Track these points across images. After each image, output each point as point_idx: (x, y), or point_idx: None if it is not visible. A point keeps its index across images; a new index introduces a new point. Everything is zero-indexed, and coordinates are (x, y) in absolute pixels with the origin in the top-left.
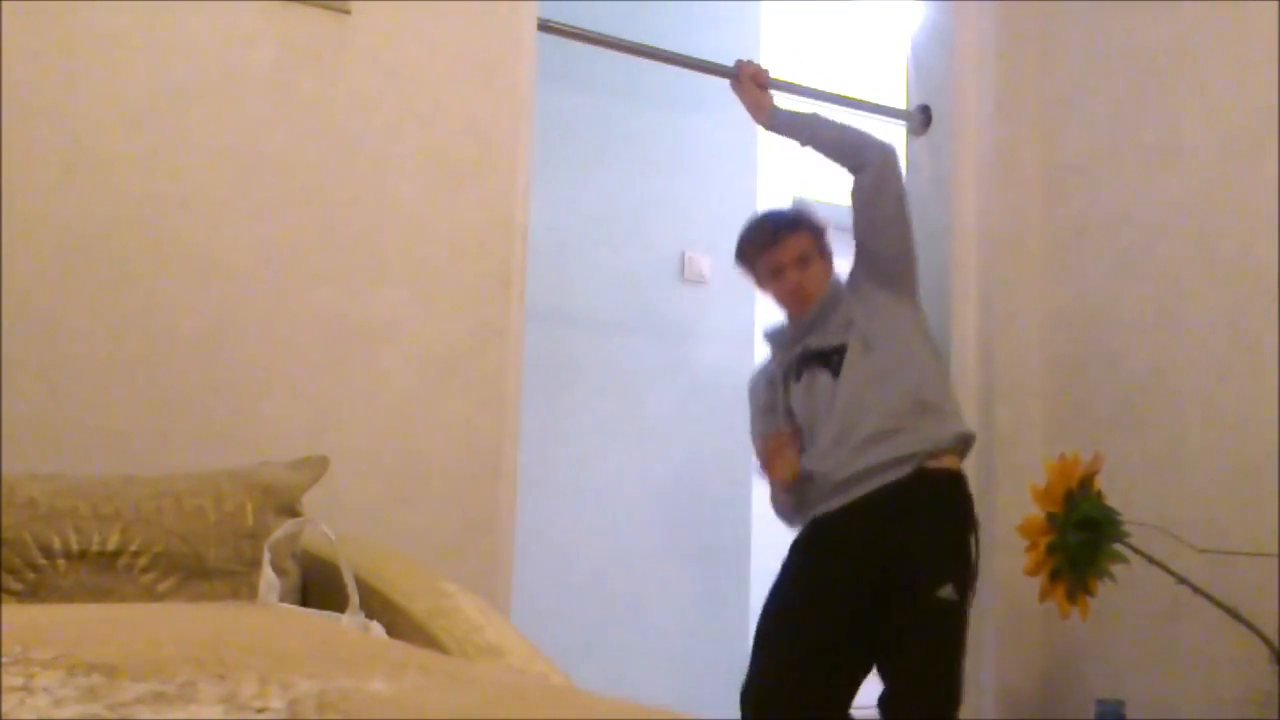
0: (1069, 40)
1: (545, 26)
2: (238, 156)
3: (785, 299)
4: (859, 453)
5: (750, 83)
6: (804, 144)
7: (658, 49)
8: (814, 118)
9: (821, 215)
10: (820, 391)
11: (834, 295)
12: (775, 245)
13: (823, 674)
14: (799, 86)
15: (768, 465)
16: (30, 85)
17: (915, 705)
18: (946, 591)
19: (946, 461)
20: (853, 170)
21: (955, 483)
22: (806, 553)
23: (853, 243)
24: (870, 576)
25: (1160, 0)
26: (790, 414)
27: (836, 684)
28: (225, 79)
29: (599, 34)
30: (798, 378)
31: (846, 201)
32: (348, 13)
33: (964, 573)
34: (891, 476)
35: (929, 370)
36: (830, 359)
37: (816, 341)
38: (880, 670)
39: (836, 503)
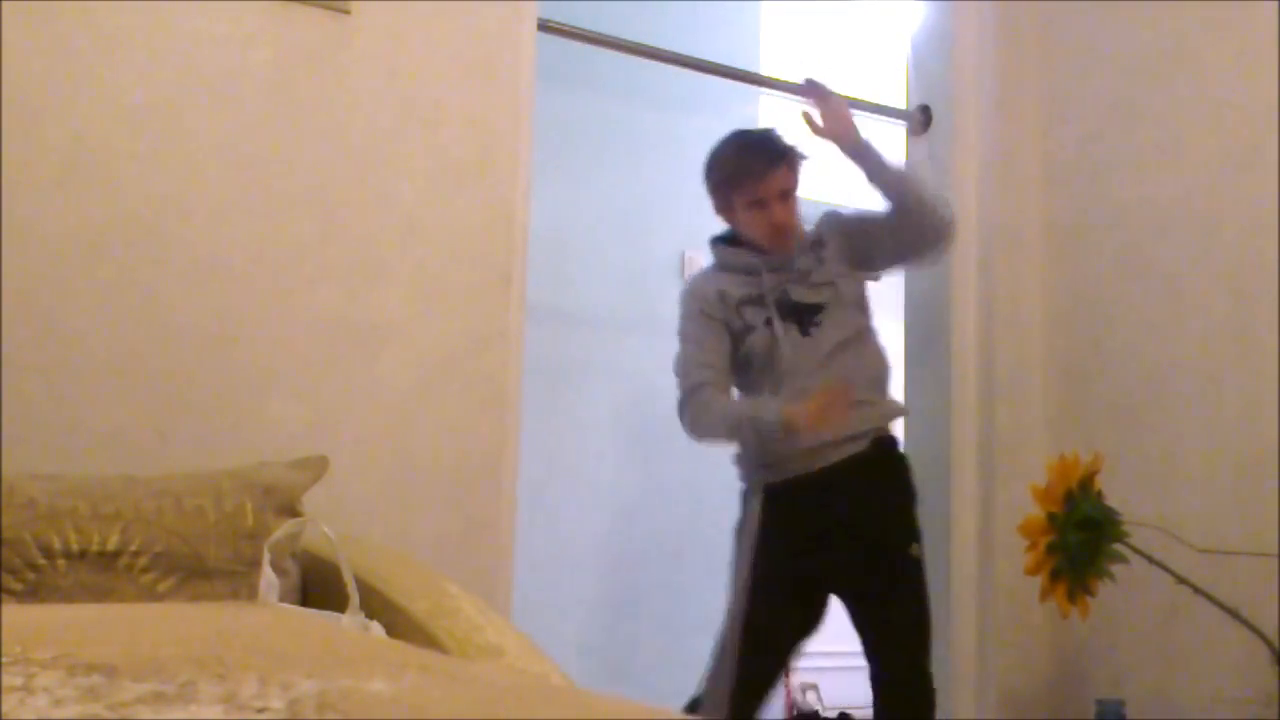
0: (1069, 40)
1: (545, 26)
2: (238, 156)
3: (765, 232)
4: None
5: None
6: (880, 185)
7: (658, 49)
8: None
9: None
10: (785, 344)
11: (812, 239)
12: (763, 178)
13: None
14: (800, 86)
15: (822, 415)
16: (30, 85)
17: (915, 652)
18: (916, 549)
19: (889, 430)
20: (912, 226)
21: (897, 446)
22: (778, 538)
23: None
24: (842, 550)
25: (1160, 0)
26: (734, 343)
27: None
28: (225, 79)
29: (599, 34)
30: (768, 323)
31: (846, 201)
32: (348, 13)
33: (920, 532)
34: (852, 450)
35: (882, 347)
36: (803, 316)
37: (798, 294)
38: (871, 632)
39: (796, 469)
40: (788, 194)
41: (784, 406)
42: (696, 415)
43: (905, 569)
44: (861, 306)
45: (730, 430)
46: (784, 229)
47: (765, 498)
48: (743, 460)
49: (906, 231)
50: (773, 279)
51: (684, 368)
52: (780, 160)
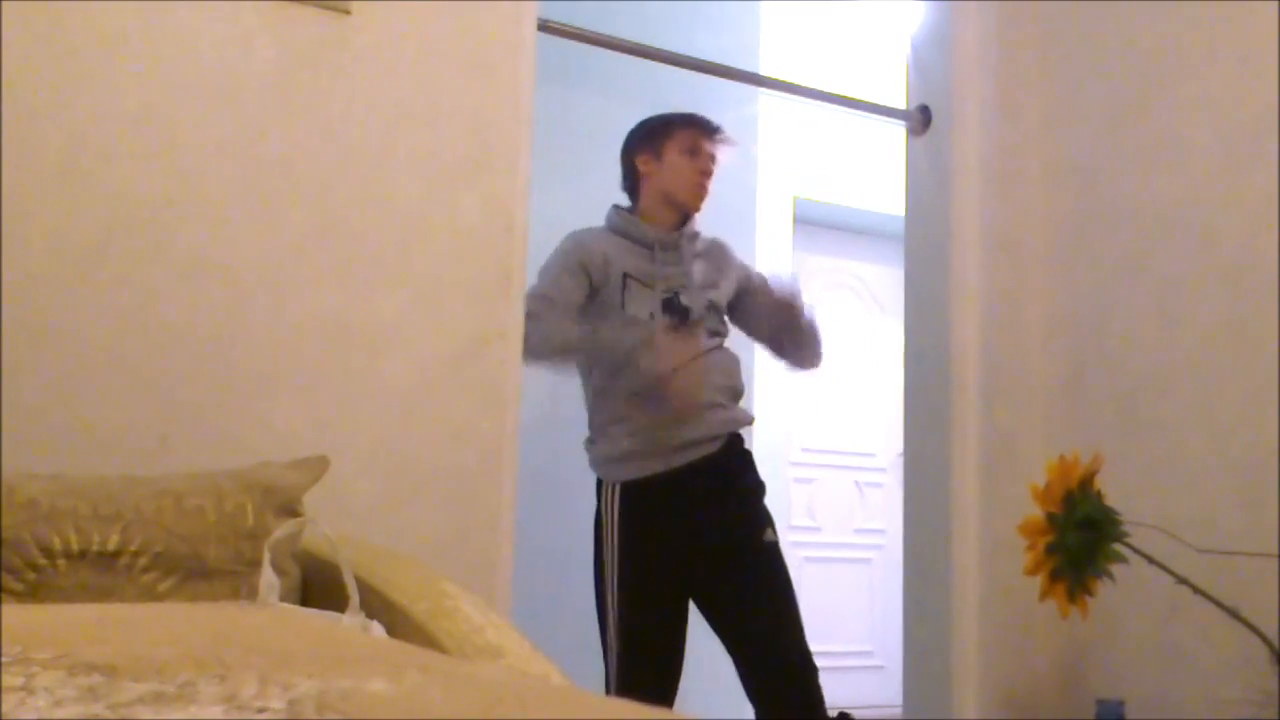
0: (1069, 40)
1: (545, 26)
2: (238, 156)
3: (689, 179)
4: (689, 420)
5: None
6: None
7: (658, 49)
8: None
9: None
10: (662, 339)
11: (712, 247)
12: (710, 135)
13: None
14: (799, 86)
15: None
16: (30, 85)
17: (795, 632)
18: (770, 534)
19: (739, 431)
20: (801, 363)
21: (743, 443)
22: (638, 535)
23: (864, 244)
24: (699, 546)
25: (1161, 0)
26: (592, 296)
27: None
28: (225, 79)
29: (599, 34)
30: (650, 316)
31: (848, 202)
32: (348, 13)
33: (771, 518)
34: (706, 451)
35: (736, 357)
36: (682, 318)
37: (686, 298)
38: (741, 621)
39: (652, 468)
40: (713, 163)
41: (657, 367)
42: (528, 334)
43: (763, 553)
44: (724, 318)
45: (562, 346)
46: (705, 184)
47: (621, 493)
48: (597, 451)
49: (781, 357)
50: (664, 271)
51: (530, 293)
52: (722, 136)
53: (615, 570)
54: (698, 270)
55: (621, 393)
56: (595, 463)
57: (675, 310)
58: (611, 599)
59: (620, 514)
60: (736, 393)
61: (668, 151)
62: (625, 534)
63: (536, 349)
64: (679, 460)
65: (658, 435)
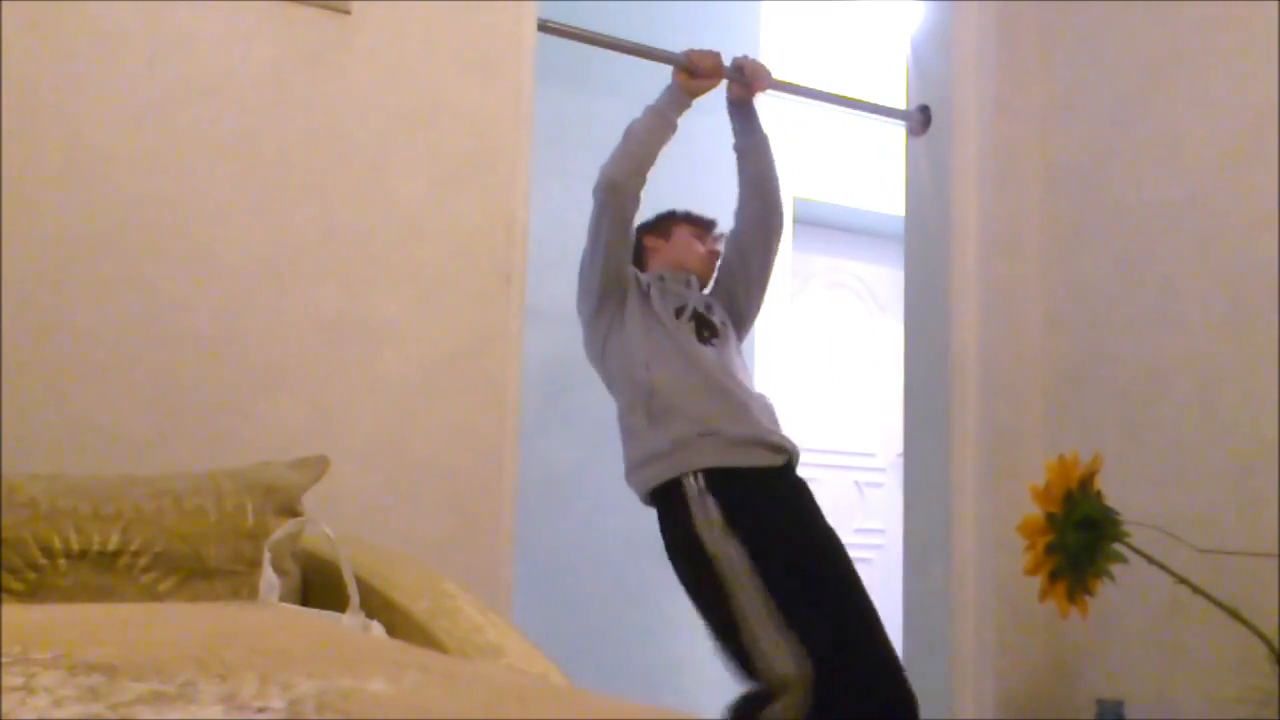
0: (1069, 40)
1: (545, 26)
2: (238, 156)
3: (699, 255)
4: (742, 418)
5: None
6: (750, 146)
7: (658, 49)
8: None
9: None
10: (686, 343)
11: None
12: (712, 231)
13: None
14: (799, 87)
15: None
16: (30, 85)
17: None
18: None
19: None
20: (766, 208)
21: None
22: (757, 514)
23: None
24: (811, 541)
25: (1160, 0)
26: (637, 297)
27: None
28: (225, 78)
29: (599, 34)
30: (674, 314)
31: (848, 202)
32: (348, 13)
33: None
34: (773, 460)
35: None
36: (704, 328)
37: (706, 313)
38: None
39: (733, 458)
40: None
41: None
42: (602, 178)
43: (858, 579)
44: (743, 355)
45: (635, 140)
46: (712, 261)
47: (708, 480)
48: (650, 446)
49: (759, 215)
50: (677, 289)
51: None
52: (719, 234)
53: (745, 563)
54: (705, 301)
55: (669, 384)
56: (655, 460)
57: (696, 318)
58: (752, 601)
59: (717, 498)
60: (777, 420)
61: (676, 234)
62: (735, 517)
63: (619, 165)
64: (746, 459)
65: (716, 424)
